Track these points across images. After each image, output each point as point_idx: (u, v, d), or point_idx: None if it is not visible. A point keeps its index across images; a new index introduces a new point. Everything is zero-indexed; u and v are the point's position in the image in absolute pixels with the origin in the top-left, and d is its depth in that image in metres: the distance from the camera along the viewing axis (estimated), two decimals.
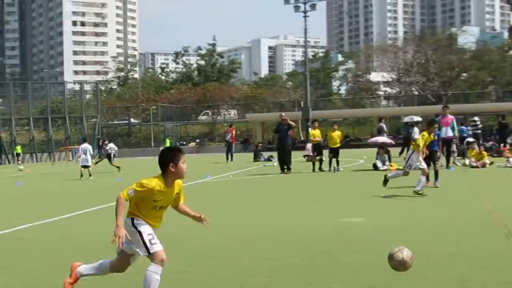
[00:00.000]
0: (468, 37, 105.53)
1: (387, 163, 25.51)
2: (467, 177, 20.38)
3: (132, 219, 5.82)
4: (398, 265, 6.04)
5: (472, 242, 8.96)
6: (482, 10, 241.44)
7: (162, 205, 5.92)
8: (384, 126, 35.91)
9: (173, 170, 5.81)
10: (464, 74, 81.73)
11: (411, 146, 16.03)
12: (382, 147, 26.67)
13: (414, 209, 12.96)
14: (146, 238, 5.74)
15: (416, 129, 27.72)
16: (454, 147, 25.58)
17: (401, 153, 32.73)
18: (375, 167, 25.19)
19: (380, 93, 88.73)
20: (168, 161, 5.83)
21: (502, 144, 33.70)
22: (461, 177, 20.46)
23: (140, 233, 5.77)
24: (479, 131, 33.92)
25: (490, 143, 33.35)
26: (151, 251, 5.72)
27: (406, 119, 37.93)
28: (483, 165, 24.88)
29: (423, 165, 15.38)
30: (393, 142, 30.86)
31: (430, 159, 17.00)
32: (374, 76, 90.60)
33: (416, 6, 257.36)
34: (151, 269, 5.68)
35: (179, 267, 7.70)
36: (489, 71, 79.66)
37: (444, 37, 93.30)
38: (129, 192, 5.70)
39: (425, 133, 15.89)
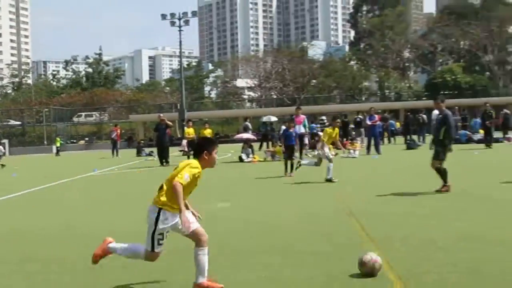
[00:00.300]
0: (316, 50, 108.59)
1: (250, 155, 25.83)
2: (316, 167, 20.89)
3: (159, 211, 5.39)
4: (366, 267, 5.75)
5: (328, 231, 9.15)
6: (328, 27, 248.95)
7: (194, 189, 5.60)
8: (249, 124, 36.28)
9: (206, 158, 5.54)
10: (314, 81, 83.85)
11: (322, 141, 16.03)
12: (247, 142, 26.96)
13: (276, 196, 13.14)
14: (156, 238, 5.45)
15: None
16: (306, 141, 26.23)
17: (260, 147, 33.18)
18: (241, 159, 25.48)
19: (245, 96, 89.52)
20: (203, 149, 5.57)
21: (344, 139, 34.86)
22: (312, 167, 20.96)
23: (155, 230, 5.43)
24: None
25: None
26: (155, 250, 5.49)
27: (264, 119, 38.45)
28: None
29: (330, 155, 15.60)
30: (255, 138, 31.24)
31: (290, 152, 17.28)
32: (240, 82, 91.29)
33: (274, 23, 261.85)
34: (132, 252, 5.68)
35: (60, 253, 7.42)
36: (334, 78, 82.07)
37: (297, 49, 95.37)
38: (185, 177, 5.28)
39: (328, 129, 16.24)
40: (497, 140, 29.83)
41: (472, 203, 10.54)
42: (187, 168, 5.37)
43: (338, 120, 17.62)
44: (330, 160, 15.29)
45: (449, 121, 12.08)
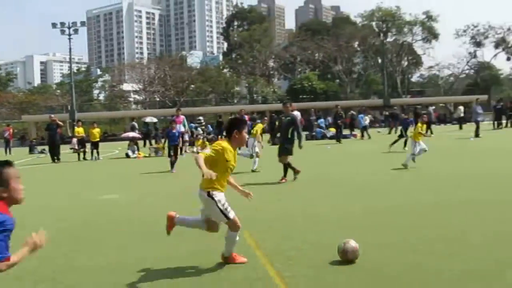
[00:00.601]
0: (194, 59, 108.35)
1: (136, 152, 25.42)
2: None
3: (208, 192, 5.24)
4: (347, 254, 5.36)
5: None
6: (204, 39, 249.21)
7: (232, 165, 5.36)
8: (136, 124, 35.62)
9: (237, 136, 5.38)
10: (192, 86, 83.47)
11: (251, 134, 15.84)
12: (133, 140, 26.52)
13: (160, 190, 13.05)
14: (223, 209, 5.23)
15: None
16: (186, 138, 26.16)
17: (144, 144, 32.73)
18: (127, 156, 25.02)
19: (131, 99, 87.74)
20: (234, 128, 5.39)
21: (219, 136, 35.16)
22: (192, 162, 20.98)
23: (216, 202, 5.22)
24: (203, 127, 35.02)
25: (211, 135, 34.62)
26: (230, 217, 5.25)
27: (147, 120, 37.91)
28: None
29: (257, 149, 15.67)
30: (140, 137, 30.78)
31: (174, 151, 16.94)
32: (126, 86, 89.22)
33: (156, 34, 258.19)
34: (230, 234, 5.34)
35: None
36: (209, 84, 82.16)
37: (177, 58, 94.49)
38: (205, 151, 5.19)
39: (260, 125, 16.31)
40: (345, 136, 31.47)
41: (326, 188, 11.02)
42: (212, 146, 5.41)
43: (266, 118, 17.94)
44: (257, 154, 15.62)
45: (296, 122, 12.46)
